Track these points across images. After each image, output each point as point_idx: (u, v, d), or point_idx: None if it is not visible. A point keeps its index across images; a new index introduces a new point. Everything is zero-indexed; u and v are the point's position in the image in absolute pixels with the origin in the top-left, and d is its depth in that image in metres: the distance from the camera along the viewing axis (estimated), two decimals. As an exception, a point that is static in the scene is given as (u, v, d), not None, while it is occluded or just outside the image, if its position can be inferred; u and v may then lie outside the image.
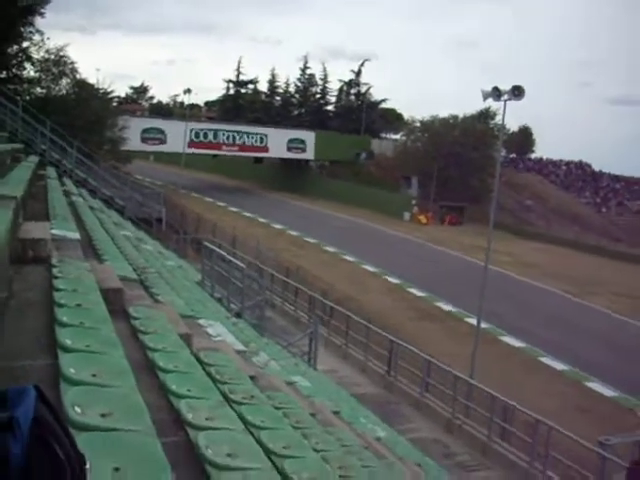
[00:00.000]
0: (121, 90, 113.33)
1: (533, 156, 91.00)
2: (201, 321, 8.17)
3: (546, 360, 27.36)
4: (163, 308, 6.25)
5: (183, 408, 3.32)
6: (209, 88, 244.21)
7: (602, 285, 42.12)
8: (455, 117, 74.74)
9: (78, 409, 2.49)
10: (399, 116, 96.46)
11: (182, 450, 2.92)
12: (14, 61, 35.49)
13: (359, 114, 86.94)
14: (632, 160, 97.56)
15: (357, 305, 27.33)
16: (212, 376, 4.45)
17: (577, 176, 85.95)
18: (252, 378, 5.46)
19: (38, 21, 34.89)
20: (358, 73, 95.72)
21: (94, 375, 2.97)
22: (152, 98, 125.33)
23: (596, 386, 24.83)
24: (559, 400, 22.21)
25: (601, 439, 12.24)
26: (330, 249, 46.41)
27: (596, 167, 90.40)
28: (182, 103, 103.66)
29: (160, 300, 7.30)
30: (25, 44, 35.24)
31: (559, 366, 26.76)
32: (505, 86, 21.89)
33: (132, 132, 53.18)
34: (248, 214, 56.83)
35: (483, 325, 24.45)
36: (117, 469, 2.15)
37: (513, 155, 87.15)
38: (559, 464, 13.01)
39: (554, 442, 12.88)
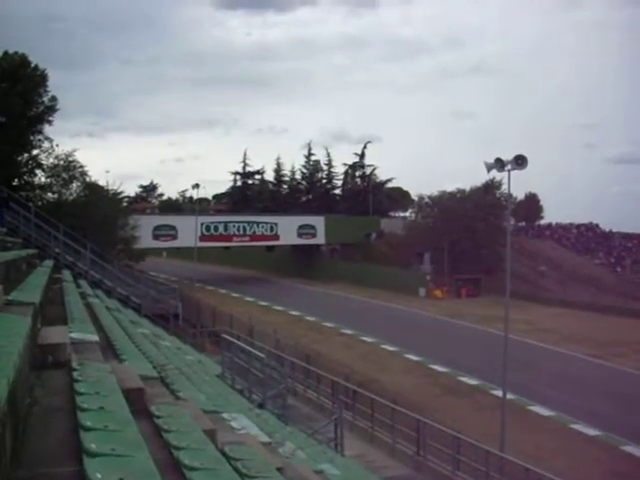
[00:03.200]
0: (131, 190, 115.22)
1: (542, 222, 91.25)
2: (224, 415, 8.08)
3: (577, 427, 26.77)
4: (185, 405, 6.20)
5: (212, 506, 3.27)
6: (217, 181, 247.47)
7: (626, 345, 41.53)
8: (462, 191, 75.41)
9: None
10: (405, 194, 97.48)
11: None
12: (25, 169, 36.45)
13: (366, 195, 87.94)
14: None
15: (380, 386, 27.04)
16: (239, 470, 4.38)
17: (588, 238, 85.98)
18: (279, 470, 5.38)
19: (47, 129, 35.97)
20: (362, 156, 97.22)
21: (121, 479, 2.94)
22: (161, 195, 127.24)
23: (632, 449, 24.18)
24: (595, 466, 21.66)
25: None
26: (348, 331, 46.12)
27: (605, 227, 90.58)
28: (191, 198, 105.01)
29: (181, 397, 7.25)
30: (35, 152, 36.32)
31: (591, 432, 26.15)
32: (508, 156, 22.13)
33: (144, 230, 53.85)
34: (264, 302, 56.77)
35: (509, 396, 24.05)
36: None
37: (522, 223, 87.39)
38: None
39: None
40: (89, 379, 4.69)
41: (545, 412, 28.65)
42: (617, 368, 36.62)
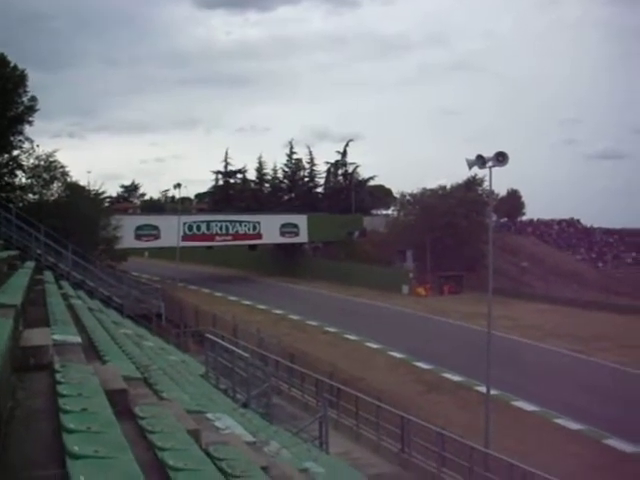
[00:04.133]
0: (112, 190, 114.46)
1: (524, 218, 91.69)
2: (208, 415, 8.06)
3: (560, 421, 26.94)
4: (169, 405, 6.18)
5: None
6: (199, 180, 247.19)
7: (608, 340, 41.85)
8: (444, 188, 75.65)
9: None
10: (388, 191, 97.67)
11: None
12: (5, 169, 36.12)
13: (348, 193, 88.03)
14: (621, 212, 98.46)
15: (364, 384, 27.08)
16: (223, 470, 4.37)
17: (570, 234, 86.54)
18: (264, 469, 5.36)
19: (27, 129, 35.68)
20: (344, 154, 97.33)
21: (104, 481, 2.92)
22: (143, 195, 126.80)
23: (614, 443, 24.37)
24: (577, 460, 21.81)
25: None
26: (332, 330, 46.17)
27: (587, 222, 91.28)
28: (173, 197, 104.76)
29: (165, 397, 7.22)
30: (15, 152, 35.95)
31: (574, 426, 26.32)
32: (489, 153, 22.18)
33: (126, 230, 53.65)
34: (247, 302, 56.71)
35: (493, 392, 24.16)
36: None
37: (504, 219, 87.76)
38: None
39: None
40: (72, 381, 4.66)
41: (529, 407, 28.82)
42: (600, 363, 36.88)
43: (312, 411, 18.47)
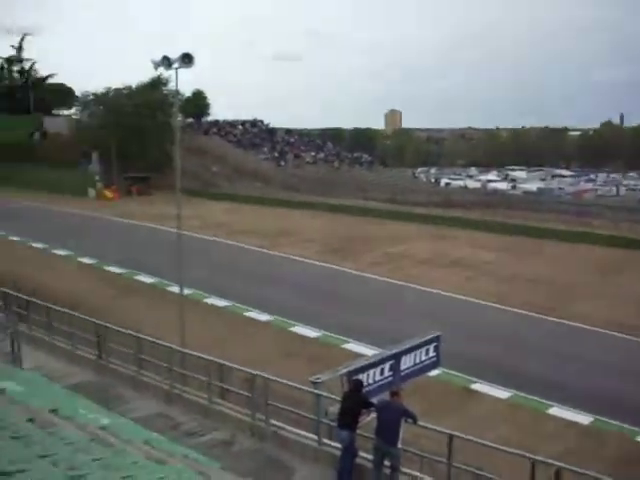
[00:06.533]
0: None
1: (209, 119, 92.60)
2: None
3: (251, 314, 28.41)
4: None
5: None
6: None
7: (290, 235, 44.62)
8: (129, 87, 73.40)
9: None
10: (70, 91, 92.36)
11: None
12: None
13: (26, 92, 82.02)
14: (302, 113, 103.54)
15: (53, 293, 26.19)
16: None
17: (254, 134, 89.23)
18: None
19: None
20: (19, 49, 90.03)
21: None
22: None
23: (300, 330, 26.37)
24: (270, 349, 23.36)
25: (312, 379, 13.10)
26: (14, 238, 43.77)
27: (270, 123, 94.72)
28: None
29: None
30: None
31: (264, 317, 27.96)
32: (175, 52, 21.90)
33: None
34: None
35: (186, 291, 24.74)
36: None
37: (190, 120, 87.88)
38: (280, 411, 13.76)
39: (273, 391, 13.58)
40: None
41: (220, 303, 29.97)
42: (284, 256, 39.27)
43: (1, 327, 17.57)
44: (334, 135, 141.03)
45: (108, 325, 17.97)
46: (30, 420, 5.57)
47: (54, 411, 7.63)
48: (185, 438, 12.79)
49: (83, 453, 5.13)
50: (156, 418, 13.83)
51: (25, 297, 21.80)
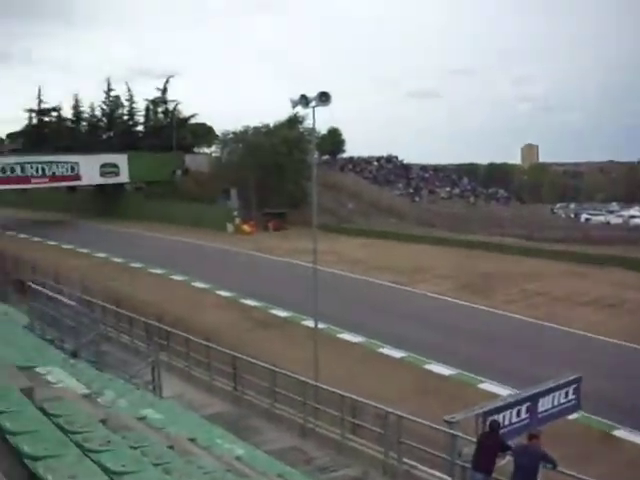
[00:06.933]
0: None
1: (344, 155, 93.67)
2: (38, 369, 7.79)
3: (385, 350, 28.28)
4: (-3, 363, 5.92)
5: (41, 471, 3.17)
6: (9, 119, 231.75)
7: (425, 272, 44.16)
8: (267, 125, 75.49)
9: None
10: (210, 130, 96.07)
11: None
12: None
13: (169, 132, 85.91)
14: (436, 150, 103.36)
15: (193, 325, 27.03)
16: (63, 428, 4.27)
17: (388, 170, 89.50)
18: (103, 421, 5.29)
19: None
20: (164, 90, 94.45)
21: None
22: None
23: (435, 367, 25.95)
24: (403, 386, 23.08)
25: (447, 418, 12.80)
26: (157, 271, 45.58)
27: (404, 159, 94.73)
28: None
29: (-9, 354, 6.89)
30: None
31: (398, 354, 27.74)
32: (313, 93, 22.37)
33: None
34: (67, 246, 54.75)
35: (320, 325, 24.92)
36: None
37: (326, 157, 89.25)
38: (413, 449, 13.50)
39: (405, 429, 13.35)
40: None
41: (354, 339, 29.99)
42: (418, 292, 38.90)
43: (143, 356, 18.25)
44: (469, 170, 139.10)
45: (244, 357, 18.28)
46: (170, 447, 5.67)
47: (192, 440, 7.78)
48: (318, 473, 12.75)
49: (219, 483, 5.17)
50: (290, 451, 13.89)
51: (166, 328, 22.61)
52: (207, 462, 6.16)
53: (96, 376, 11.86)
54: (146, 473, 3.99)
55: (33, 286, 17.25)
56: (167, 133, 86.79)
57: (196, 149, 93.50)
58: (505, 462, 11.62)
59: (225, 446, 9.69)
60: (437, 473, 12.76)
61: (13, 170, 66.71)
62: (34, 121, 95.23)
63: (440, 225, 64.98)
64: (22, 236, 60.62)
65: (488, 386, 23.41)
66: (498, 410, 13.49)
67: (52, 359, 10.40)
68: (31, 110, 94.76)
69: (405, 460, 13.18)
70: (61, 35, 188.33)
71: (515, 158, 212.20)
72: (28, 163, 68.43)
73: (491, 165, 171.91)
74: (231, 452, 9.10)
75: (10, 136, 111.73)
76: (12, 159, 70.11)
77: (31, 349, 10.22)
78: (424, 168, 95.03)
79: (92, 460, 3.72)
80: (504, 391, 20.25)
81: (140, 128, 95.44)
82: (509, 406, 13.98)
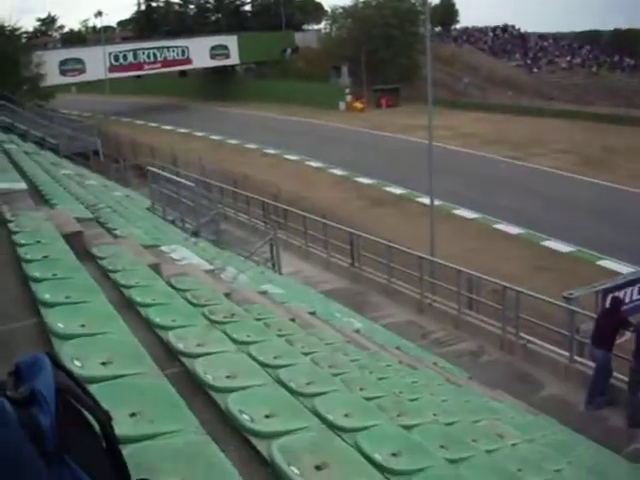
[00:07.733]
0: (28, 24, 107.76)
1: (458, 27, 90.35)
2: (163, 247, 8.13)
3: (501, 226, 27.95)
4: (125, 242, 6.19)
5: (172, 339, 3.33)
6: (119, 7, 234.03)
7: (543, 145, 42.73)
8: (376, -1, 73.25)
9: (78, 362, 2.49)
10: (318, 5, 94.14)
11: (183, 380, 2.95)
12: None
13: (277, 9, 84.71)
14: (556, 16, 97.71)
15: (309, 203, 27.29)
16: (190, 301, 4.47)
17: (505, 40, 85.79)
18: (227, 295, 5.50)
19: None
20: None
21: (83, 325, 2.95)
22: (62, 27, 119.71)
23: (553, 244, 25.50)
24: (519, 262, 22.86)
25: (565, 294, 12.64)
26: (271, 151, 46.03)
27: (521, 28, 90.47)
28: (94, 27, 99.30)
29: (119, 234, 7.22)
30: None
31: (514, 230, 27.37)
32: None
33: (49, 66, 51.56)
34: (183, 130, 55.83)
35: (435, 202, 24.70)
36: (133, 414, 2.17)
37: (438, 28, 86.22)
38: (530, 324, 13.47)
39: (522, 304, 13.28)
40: (26, 229, 4.60)
41: (470, 215, 29.70)
42: (535, 168, 37.83)
43: (261, 234, 18.66)
44: (591, 38, 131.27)
45: (361, 234, 18.43)
46: (292, 320, 5.86)
47: (312, 313, 8.02)
48: (434, 347, 12.96)
49: (341, 353, 5.33)
50: (407, 326, 14.12)
51: (283, 206, 23.02)
52: (327, 334, 6.35)
53: (217, 253, 12.29)
54: (270, 343, 4.15)
55: (152, 169, 17.75)
56: (275, 11, 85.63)
57: (305, 27, 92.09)
58: (626, 339, 11.44)
59: (344, 320, 9.96)
60: (555, 348, 12.70)
61: (126, 57, 67.86)
62: (142, 7, 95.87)
63: (560, 97, 62.27)
64: (138, 122, 62.07)
65: (608, 263, 22.85)
66: (619, 287, 13.24)
67: (174, 238, 10.81)
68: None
69: (522, 335, 13.17)
70: None
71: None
72: (140, 49, 69.38)
73: (616, 31, 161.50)
74: (350, 325, 9.36)
75: (120, 24, 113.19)
76: (124, 47, 71.19)
77: (154, 229, 10.63)
78: (542, 37, 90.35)
79: (219, 330, 3.89)
80: (625, 269, 19.74)
81: (248, 8, 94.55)
82: (630, 283, 13.69)
